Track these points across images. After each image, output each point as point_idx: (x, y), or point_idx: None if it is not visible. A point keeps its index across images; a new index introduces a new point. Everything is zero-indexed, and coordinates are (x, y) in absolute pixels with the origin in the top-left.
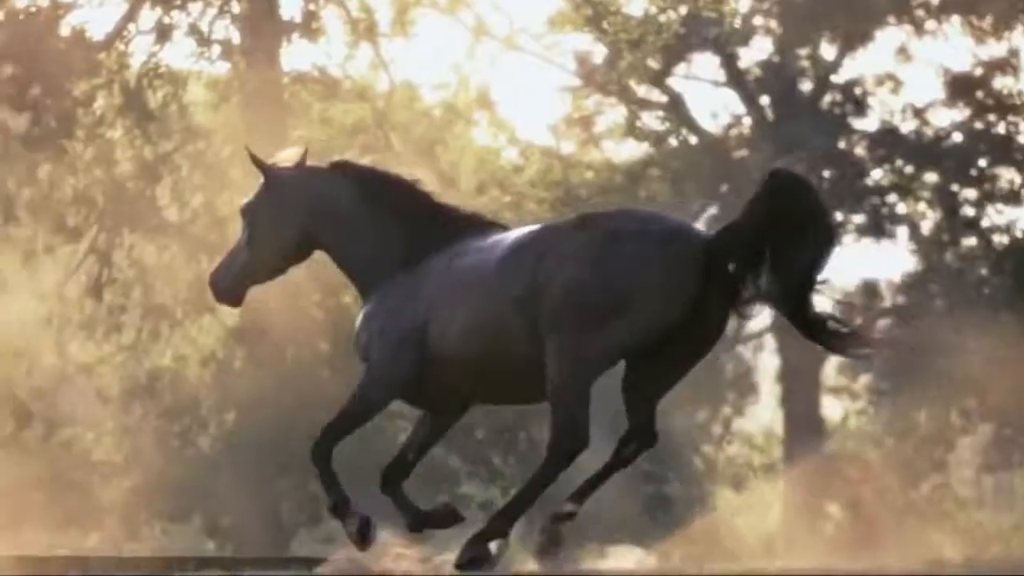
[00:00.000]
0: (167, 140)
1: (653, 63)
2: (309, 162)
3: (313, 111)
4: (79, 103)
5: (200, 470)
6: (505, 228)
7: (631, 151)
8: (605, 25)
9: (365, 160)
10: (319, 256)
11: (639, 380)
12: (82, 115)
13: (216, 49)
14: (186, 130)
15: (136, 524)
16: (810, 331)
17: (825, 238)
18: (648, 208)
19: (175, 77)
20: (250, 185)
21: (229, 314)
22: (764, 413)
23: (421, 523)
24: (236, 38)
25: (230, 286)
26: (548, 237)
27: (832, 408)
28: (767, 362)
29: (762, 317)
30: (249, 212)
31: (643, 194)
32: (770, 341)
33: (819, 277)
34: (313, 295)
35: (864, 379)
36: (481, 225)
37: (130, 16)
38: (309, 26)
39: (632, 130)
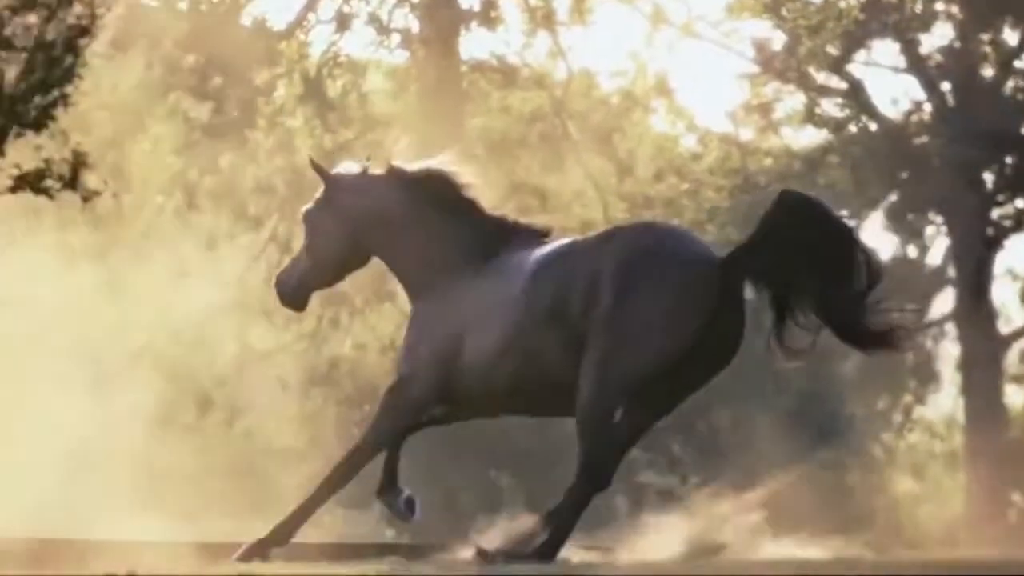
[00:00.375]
0: (346, 129)
1: (832, 49)
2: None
3: (491, 99)
4: (260, 92)
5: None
6: (546, 239)
7: (810, 138)
8: (784, 12)
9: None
10: None
11: (649, 398)
12: (263, 104)
13: (395, 38)
14: (365, 119)
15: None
16: (846, 337)
17: (845, 257)
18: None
19: (354, 66)
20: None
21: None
22: (945, 401)
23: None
24: (415, 27)
25: (292, 290)
26: (577, 255)
27: (1014, 395)
28: (948, 350)
29: (943, 305)
30: (308, 219)
31: (822, 181)
32: (951, 329)
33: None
34: None
35: None
36: (524, 237)
37: (310, 6)
38: (488, 15)
39: (811, 117)
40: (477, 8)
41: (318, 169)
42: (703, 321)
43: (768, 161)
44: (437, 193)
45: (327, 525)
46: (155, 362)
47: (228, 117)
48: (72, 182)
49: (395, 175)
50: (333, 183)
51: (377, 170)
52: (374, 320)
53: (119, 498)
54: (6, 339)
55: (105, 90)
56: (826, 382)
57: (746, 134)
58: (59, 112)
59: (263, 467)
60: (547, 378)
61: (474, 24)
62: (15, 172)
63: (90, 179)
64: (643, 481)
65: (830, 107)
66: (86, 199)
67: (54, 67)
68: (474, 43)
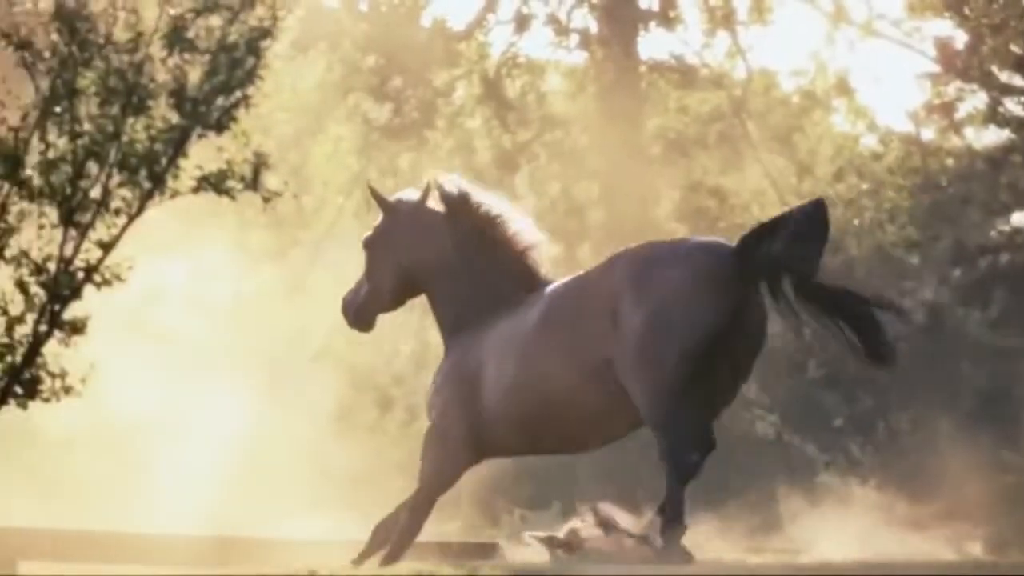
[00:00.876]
0: (525, 129)
1: (1016, 48)
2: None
3: (669, 99)
4: (439, 93)
5: (559, 457)
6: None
7: (992, 137)
8: (966, 10)
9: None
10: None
11: (701, 393)
12: (442, 105)
13: (574, 38)
14: (544, 119)
15: (496, 511)
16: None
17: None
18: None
19: (533, 66)
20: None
21: None
22: None
23: None
24: (594, 27)
25: (355, 312)
26: (586, 284)
27: None
28: None
29: None
30: (366, 247)
31: (1004, 180)
32: None
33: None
34: None
35: None
36: (548, 281)
37: (490, 6)
38: (667, 15)
39: (994, 116)
40: (656, 8)
41: (377, 197)
42: (726, 302)
43: (949, 161)
44: (477, 232)
45: (505, 524)
46: (334, 362)
47: (407, 118)
48: (253, 183)
49: (451, 211)
50: (391, 212)
51: (432, 201)
52: None
53: (298, 497)
54: (187, 339)
55: (286, 91)
56: (1008, 381)
57: (927, 134)
58: (241, 113)
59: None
60: (563, 407)
61: (653, 24)
62: (197, 173)
63: (271, 180)
64: (822, 482)
65: (1013, 106)
66: (267, 200)
67: (236, 69)
68: (653, 43)
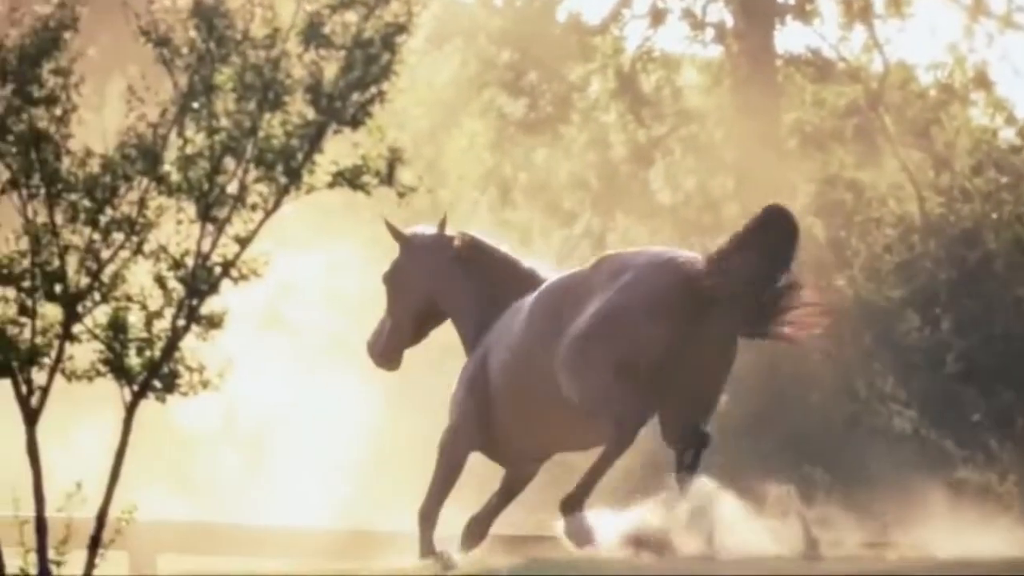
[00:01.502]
0: (660, 123)
1: None
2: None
3: (806, 93)
4: (574, 87)
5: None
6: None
7: None
8: None
9: (857, 142)
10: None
11: (669, 406)
12: (577, 100)
13: (709, 32)
14: (679, 113)
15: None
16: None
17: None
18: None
19: (668, 61)
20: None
21: None
22: None
23: None
24: (729, 21)
25: (380, 352)
26: (571, 279)
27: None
28: None
29: None
30: (385, 280)
31: None
32: None
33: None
34: (806, 277)
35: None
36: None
37: (625, 1)
38: (803, 8)
39: None
40: (792, 2)
41: (394, 233)
42: (676, 319)
43: None
44: (475, 258)
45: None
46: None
47: (542, 113)
48: (388, 178)
49: (462, 245)
50: (407, 246)
51: (445, 233)
52: None
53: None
54: (321, 333)
55: (421, 87)
56: None
57: None
58: (376, 109)
59: (570, 458)
60: (547, 394)
61: (789, 18)
62: (333, 168)
63: (405, 175)
64: (961, 477)
65: None
66: (401, 195)
67: (372, 65)
68: (789, 37)
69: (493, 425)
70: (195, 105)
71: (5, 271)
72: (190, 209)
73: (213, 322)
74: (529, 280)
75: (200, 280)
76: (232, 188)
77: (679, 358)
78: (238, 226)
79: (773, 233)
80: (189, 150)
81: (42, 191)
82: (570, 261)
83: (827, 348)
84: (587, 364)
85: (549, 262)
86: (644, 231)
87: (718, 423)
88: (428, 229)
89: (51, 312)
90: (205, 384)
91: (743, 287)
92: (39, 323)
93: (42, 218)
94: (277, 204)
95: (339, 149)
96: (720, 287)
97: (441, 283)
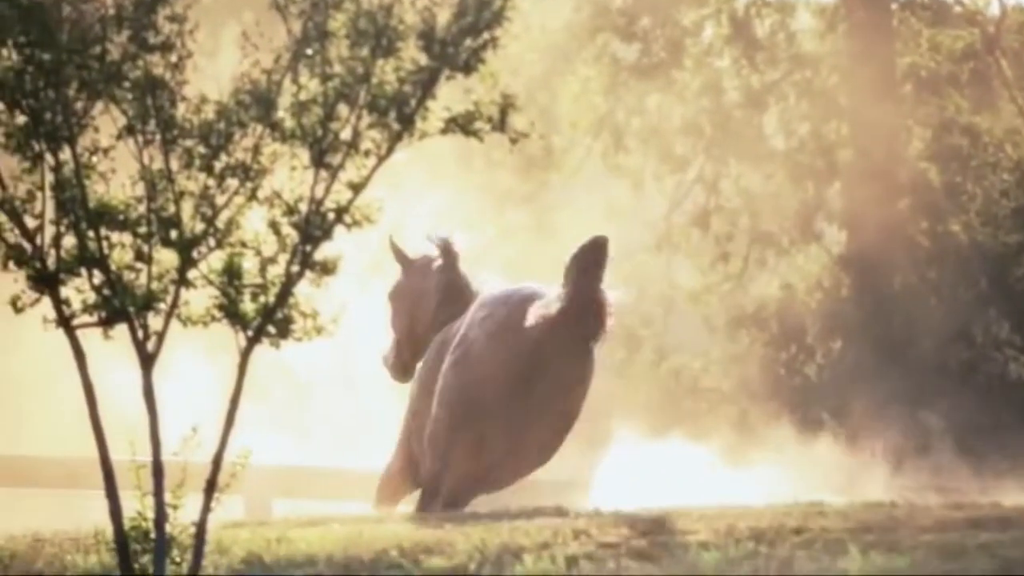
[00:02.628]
0: (774, 69)
1: None
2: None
3: (921, 37)
4: (687, 33)
5: (806, 398)
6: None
7: None
8: None
9: (973, 87)
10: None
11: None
12: (690, 45)
13: None
14: (793, 58)
15: (745, 451)
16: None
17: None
18: None
19: (783, 5)
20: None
21: (835, 242)
22: None
23: None
24: None
25: (392, 367)
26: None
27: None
28: None
29: None
30: (389, 298)
31: None
32: None
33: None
34: (921, 222)
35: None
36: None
37: None
38: None
39: None
40: None
41: (396, 254)
42: (516, 346)
43: None
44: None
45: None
46: None
47: (655, 58)
48: (500, 124)
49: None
50: (407, 266)
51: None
52: (801, 260)
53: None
54: None
55: (534, 32)
56: None
57: None
58: (488, 55)
59: (690, 407)
60: None
61: None
62: (445, 114)
63: (518, 121)
64: None
65: None
66: (514, 141)
67: (484, 10)
68: None
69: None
70: (309, 51)
71: (121, 217)
72: (304, 155)
73: (327, 268)
74: (464, 307)
75: (313, 226)
76: (345, 134)
77: (524, 379)
78: (351, 172)
79: (590, 257)
80: (303, 96)
81: (158, 138)
82: (682, 207)
83: (940, 291)
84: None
85: (666, 205)
86: (757, 177)
87: (831, 371)
88: (432, 252)
89: (167, 258)
90: (319, 330)
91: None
92: (155, 269)
93: (158, 164)
94: (390, 150)
95: (451, 95)
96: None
97: (420, 306)
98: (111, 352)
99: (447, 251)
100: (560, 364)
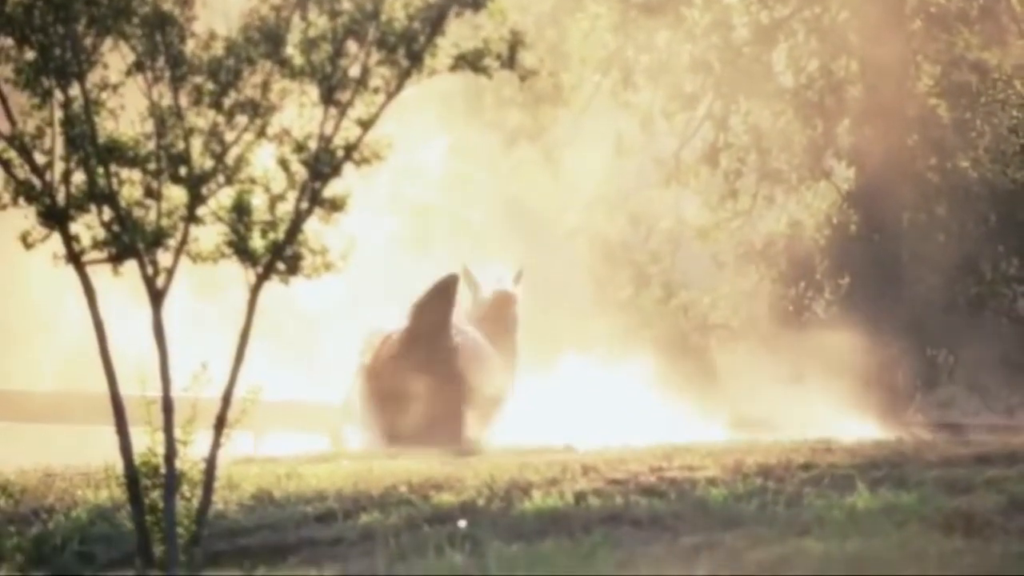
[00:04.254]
0: (783, 5)
1: None
2: None
3: None
4: None
5: (816, 333)
6: None
7: None
8: None
9: (984, 23)
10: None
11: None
12: None
13: None
14: None
15: (752, 388)
16: None
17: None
18: None
19: None
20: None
21: (844, 179)
22: None
23: None
24: None
25: None
26: None
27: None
28: None
29: None
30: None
31: None
32: None
33: None
34: (930, 159)
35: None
36: None
37: None
38: None
39: None
40: None
41: (467, 279)
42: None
43: None
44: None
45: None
46: (591, 239)
47: None
48: (510, 61)
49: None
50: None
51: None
52: (809, 197)
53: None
54: (442, 215)
55: None
56: None
57: None
58: None
59: (698, 343)
60: None
61: None
62: (454, 51)
63: (527, 58)
64: None
65: None
66: (523, 78)
67: None
68: None
69: None
70: None
71: (131, 154)
72: (313, 92)
73: (336, 205)
74: None
75: (323, 163)
76: (354, 71)
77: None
78: (360, 109)
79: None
80: (312, 33)
81: (167, 74)
82: (692, 144)
83: (950, 227)
84: None
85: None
86: (767, 114)
87: (839, 307)
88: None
89: (176, 194)
90: (328, 266)
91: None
92: (164, 205)
93: (167, 101)
94: (399, 87)
95: (461, 32)
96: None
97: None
98: (111, 288)
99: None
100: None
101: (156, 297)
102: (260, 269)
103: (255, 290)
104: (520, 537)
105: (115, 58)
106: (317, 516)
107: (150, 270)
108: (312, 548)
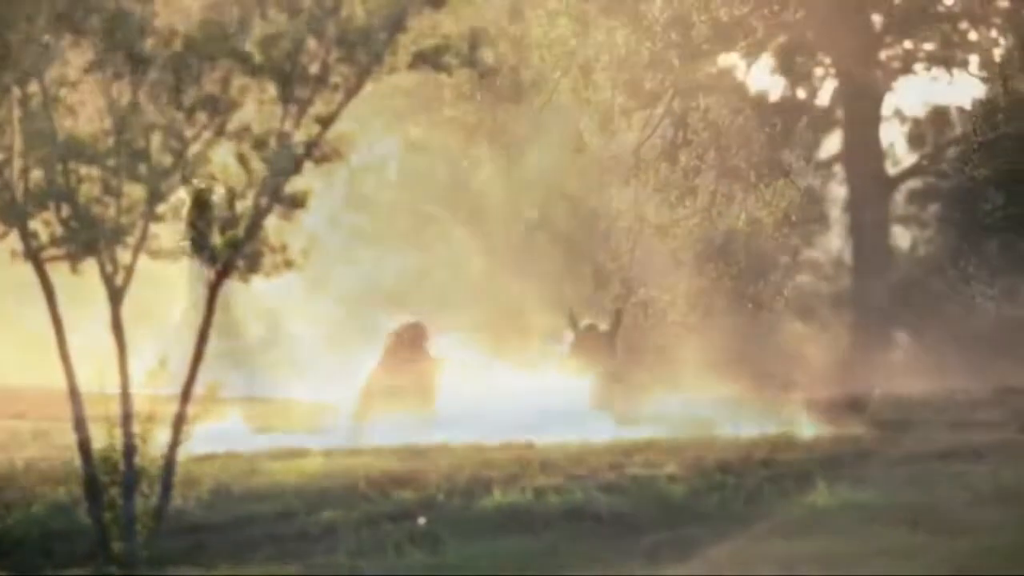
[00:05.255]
0: (742, 2)
1: None
2: None
3: None
4: None
5: (775, 330)
6: None
7: None
8: None
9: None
10: None
11: None
12: None
13: None
14: None
15: (708, 382)
16: None
17: None
18: None
19: None
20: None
21: (801, 175)
22: (833, 242)
23: None
24: None
25: None
26: None
27: (901, 237)
28: (836, 191)
29: (831, 146)
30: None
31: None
32: (839, 170)
33: None
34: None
35: (933, 208)
36: None
37: None
38: None
39: None
40: None
41: None
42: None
43: None
44: None
45: None
46: (551, 236)
47: None
48: (470, 58)
49: None
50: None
51: None
52: (769, 195)
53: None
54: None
55: None
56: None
57: None
58: None
59: (658, 340)
60: None
61: None
62: (414, 49)
63: (487, 55)
64: None
65: None
66: (483, 76)
67: None
68: None
69: None
70: None
71: (90, 150)
72: (272, 89)
73: (296, 202)
74: None
75: (282, 160)
76: (314, 69)
77: None
78: (320, 107)
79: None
80: (271, 30)
81: (126, 71)
82: (651, 141)
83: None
84: None
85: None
86: (726, 111)
87: (808, 302)
88: None
89: (135, 191)
90: (288, 263)
91: None
92: (123, 202)
93: (126, 98)
94: (359, 85)
95: (421, 30)
96: None
97: None
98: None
99: None
100: None
101: (115, 294)
102: (219, 266)
103: (214, 287)
104: (480, 533)
105: (74, 55)
106: (279, 513)
107: (109, 267)
108: (275, 544)
